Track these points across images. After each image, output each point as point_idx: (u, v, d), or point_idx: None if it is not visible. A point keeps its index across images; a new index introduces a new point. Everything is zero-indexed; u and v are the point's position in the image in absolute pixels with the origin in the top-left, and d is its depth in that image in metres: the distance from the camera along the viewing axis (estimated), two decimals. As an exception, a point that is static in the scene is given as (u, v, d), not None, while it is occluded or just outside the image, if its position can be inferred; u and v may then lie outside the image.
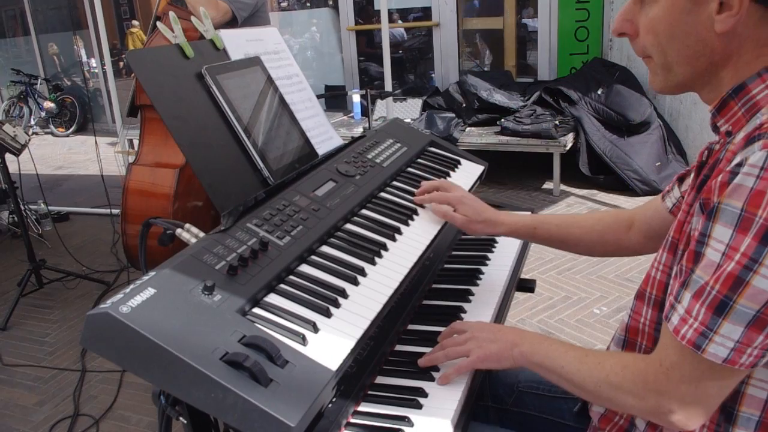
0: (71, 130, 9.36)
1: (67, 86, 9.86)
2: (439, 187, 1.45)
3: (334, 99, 6.55)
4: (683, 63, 0.90)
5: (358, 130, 5.41)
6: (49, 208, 4.79)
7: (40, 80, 9.56)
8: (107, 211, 4.57)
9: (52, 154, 8.12)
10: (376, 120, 5.32)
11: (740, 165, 0.78)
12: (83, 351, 3.09)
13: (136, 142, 5.82)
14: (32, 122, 9.40)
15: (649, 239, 1.24)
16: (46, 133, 9.52)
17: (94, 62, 9.36)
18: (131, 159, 3.29)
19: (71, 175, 6.89)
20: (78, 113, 9.38)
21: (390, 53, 4.54)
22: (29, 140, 3.61)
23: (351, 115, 6.09)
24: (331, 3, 7.39)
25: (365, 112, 5.78)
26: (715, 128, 0.94)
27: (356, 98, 5.86)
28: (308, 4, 8.00)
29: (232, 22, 3.02)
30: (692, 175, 1.05)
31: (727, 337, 0.79)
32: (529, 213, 1.50)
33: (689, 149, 4.94)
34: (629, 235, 1.28)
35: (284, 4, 7.89)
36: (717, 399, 0.86)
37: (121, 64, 10.27)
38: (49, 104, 9.26)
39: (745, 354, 0.80)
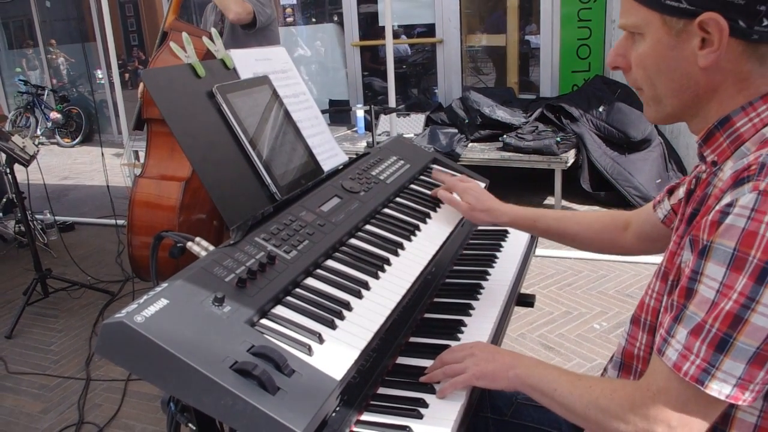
0: (77, 140, 9.44)
1: (73, 97, 9.96)
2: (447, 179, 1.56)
3: (337, 113, 6.62)
4: (671, 95, 0.95)
5: (361, 145, 5.46)
6: (55, 218, 4.84)
7: (47, 91, 9.66)
8: (112, 221, 4.61)
9: (58, 164, 8.19)
10: (379, 135, 5.37)
11: (731, 205, 0.82)
12: (88, 360, 3.12)
13: (141, 154, 5.89)
14: (38, 132, 9.49)
15: (642, 241, 1.31)
16: (52, 143, 9.60)
17: (100, 73, 9.46)
18: (137, 171, 3.35)
19: (76, 186, 6.95)
20: (84, 124, 9.47)
21: (394, 69, 4.61)
22: (38, 151, 3.66)
23: (354, 129, 6.15)
24: (336, 19, 7.49)
25: (369, 127, 5.84)
26: (702, 157, 0.98)
27: (360, 113, 5.92)
28: (313, 20, 8.10)
29: (250, 25, 3.25)
30: (681, 192, 1.09)
31: (729, 373, 0.82)
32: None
33: (690, 166, 4.98)
34: (625, 236, 1.35)
35: (289, 20, 7.98)
36: (702, 424, 0.87)
37: (127, 75, 10.37)
38: (55, 115, 9.34)
39: (747, 390, 0.82)
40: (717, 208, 0.84)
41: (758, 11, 0.84)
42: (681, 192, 1.16)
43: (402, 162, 1.70)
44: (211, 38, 1.49)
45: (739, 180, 0.84)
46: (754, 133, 0.89)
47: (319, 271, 1.19)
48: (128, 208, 2.82)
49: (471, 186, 1.48)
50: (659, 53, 0.92)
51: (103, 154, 4.51)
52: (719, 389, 0.83)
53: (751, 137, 0.90)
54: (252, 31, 3.28)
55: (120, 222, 4.52)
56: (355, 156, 1.67)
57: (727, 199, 0.83)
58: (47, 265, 3.95)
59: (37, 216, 4.68)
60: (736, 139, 0.91)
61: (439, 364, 1.17)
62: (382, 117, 5.65)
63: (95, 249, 4.75)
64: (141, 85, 3.27)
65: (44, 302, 3.78)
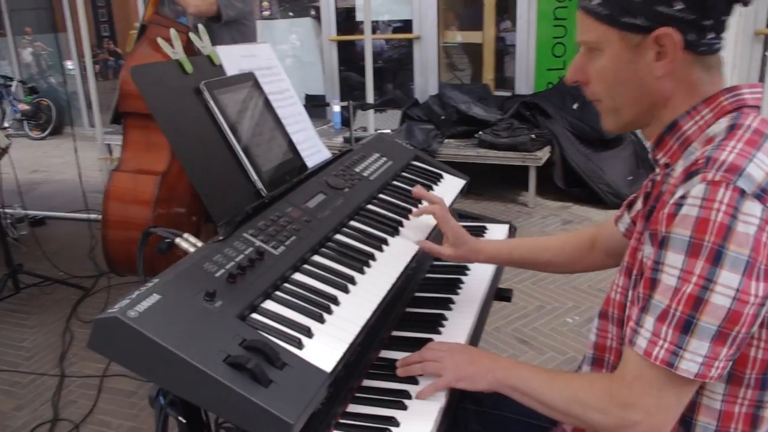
0: (46, 132, 9.25)
1: (43, 88, 9.75)
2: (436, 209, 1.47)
3: (312, 108, 6.59)
4: (629, 105, 1.02)
5: (338, 140, 5.46)
6: (27, 212, 4.75)
7: (15, 82, 9.44)
8: (84, 216, 4.55)
9: (27, 157, 8.00)
10: (355, 130, 5.38)
11: (684, 197, 0.89)
12: (61, 356, 3.09)
13: (114, 147, 5.80)
14: (6, 124, 9.27)
15: (610, 257, 1.37)
16: (20, 135, 9.39)
17: (70, 64, 9.27)
18: (112, 165, 3.31)
19: (46, 179, 6.83)
20: (53, 116, 9.29)
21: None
22: (10, 144, 3.60)
23: (331, 124, 6.15)
24: (313, 13, 7.47)
25: (345, 122, 5.85)
26: (655, 161, 1.06)
27: (336, 108, 5.92)
28: (290, 14, 8.07)
29: (215, 19, 3.09)
30: (640, 202, 1.15)
31: (696, 353, 0.88)
32: (503, 239, 1.62)
33: (659, 164, 5.09)
34: (593, 254, 1.40)
35: (266, 13, 7.94)
36: (678, 408, 0.93)
37: (97, 67, 10.20)
38: (24, 106, 9.14)
39: (713, 367, 0.88)
40: (671, 201, 0.91)
41: (705, 26, 0.93)
42: (639, 204, 1.20)
43: (384, 159, 1.73)
44: (197, 33, 1.50)
45: (689, 174, 0.91)
46: (700, 134, 0.98)
47: (306, 266, 1.21)
48: (103, 203, 2.79)
49: (453, 226, 1.42)
50: (618, 67, 0.99)
51: (76, 149, 4.44)
52: (687, 369, 0.88)
53: (697, 138, 0.98)
54: (220, 24, 3.13)
55: (92, 216, 4.47)
56: (337, 152, 1.69)
57: (680, 192, 0.90)
58: (18, 260, 3.88)
59: (7, 210, 4.59)
60: (684, 141, 0.99)
61: (418, 359, 1.20)
62: (359, 112, 5.67)
63: (67, 244, 4.67)
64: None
65: (16, 298, 3.71)
